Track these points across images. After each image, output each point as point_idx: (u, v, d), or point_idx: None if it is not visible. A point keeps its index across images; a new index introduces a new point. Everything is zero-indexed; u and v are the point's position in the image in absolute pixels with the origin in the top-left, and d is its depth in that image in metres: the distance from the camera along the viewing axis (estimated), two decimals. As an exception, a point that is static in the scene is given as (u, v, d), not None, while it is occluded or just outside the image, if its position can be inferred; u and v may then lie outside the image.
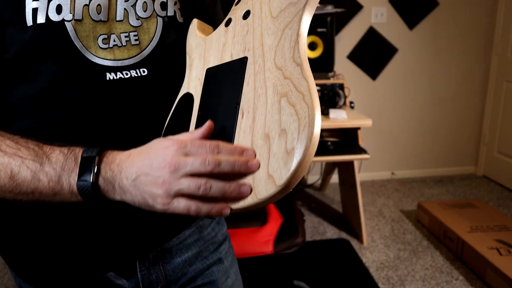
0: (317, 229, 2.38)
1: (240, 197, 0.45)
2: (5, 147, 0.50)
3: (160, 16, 0.62)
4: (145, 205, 0.48)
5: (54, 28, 0.54)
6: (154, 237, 0.66)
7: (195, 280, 0.73)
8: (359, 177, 2.26)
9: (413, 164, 3.14)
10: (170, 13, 0.63)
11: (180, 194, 0.45)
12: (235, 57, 0.55)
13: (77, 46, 0.55)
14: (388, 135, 3.04)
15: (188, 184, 0.45)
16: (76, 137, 0.57)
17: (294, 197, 2.76)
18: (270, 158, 0.46)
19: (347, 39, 2.81)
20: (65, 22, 0.54)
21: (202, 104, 0.58)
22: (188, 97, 0.60)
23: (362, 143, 2.15)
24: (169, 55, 0.63)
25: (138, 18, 0.60)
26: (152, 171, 0.46)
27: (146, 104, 0.61)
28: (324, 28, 2.35)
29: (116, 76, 0.58)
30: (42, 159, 0.50)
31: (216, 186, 0.45)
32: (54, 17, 0.54)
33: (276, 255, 1.40)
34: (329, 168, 2.83)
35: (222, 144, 0.47)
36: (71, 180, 0.49)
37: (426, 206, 2.34)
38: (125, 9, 0.59)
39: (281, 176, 0.44)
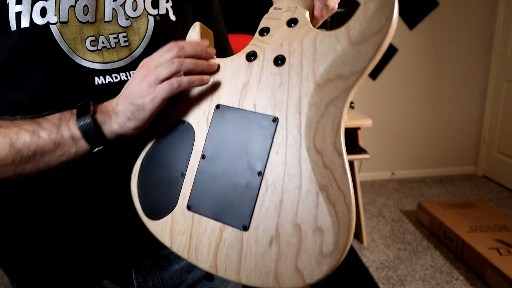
0: (317, 229, 2.37)
1: (211, 68, 0.52)
2: (0, 122, 0.50)
3: (151, 15, 0.59)
4: (137, 112, 0.49)
5: (39, 32, 0.52)
6: (151, 244, 0.63)
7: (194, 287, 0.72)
8: (359, 177, 2.26)
9: (413, 164, 3.14)
10: (162, 11, 0.60)
11: (160, 80, 0.49)
12: (260, 110, 0.49)
13: (64, 50, 0.53)
14: (388, 135, 3.04)
15: (163, 66, 0.49)
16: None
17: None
18: (300, 253, 0.44)
19: (347, 39, 2.81)
20: (50, 25, 0.52)
21: (209, 149, 0.51)
22: (186, 127, 0.53)
23: (362, 143, 2.15)
24: None
25: (128, 18, 0.57)
26: (130, 83, 0.50)
27: None
28: (324, 28, 2.35)
29: (105, 80, 0.56)
30: (38, 120, 0.50)
31: (188, 60, 0.50)
32: (39, 20, 0.52)
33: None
34: (329, 168, 2.82)
35: (185, 45, 0.51)
36: (70, 125, 0.49)
37: (426, 206, 2.34)
38: (113, 9, 0.57)
39: (313, 275, 0.44)
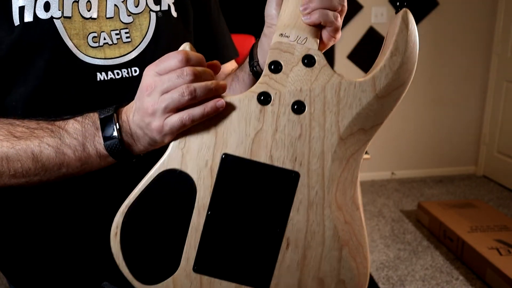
0: (317, 229, 2.38)
1: (223, 87, 0.45)
2: (19, 134, 0.49)
3: (153, 11, 0.59)
4: (153, 142, 0.47)
5: (43, 26, 0.51)
6: None
7: None
8: (359, 177, 2.26)
9: (413, 164, 3.13)
10: (164, 7, 0.60)
11: (169, 111, 0.43)
12: (277, 163, 0.44)
13: (68, 45, 0.53)
14: (388, 135, 3.04)
15: (171, 97, 0.43)
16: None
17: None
18: None
19: (347, 39, 2.81)
20: (54, 20, 0.52)
21: (217, 204, 0.45)
22: (183, 179, 0.46)
23: (362, 143, 2.15)
24: (163, 53, 0.59)
25: (130, 14, 0.57)
26: (138, 104, 0.45)
27: None
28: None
29: (107, 76, 0.56)
30: (59, 133, 0.48)
31: (199, 86, 0.43)
32: (42, 14, 0.51)
33: None
34: (329, 168, 2.82)
35: (190, 53, 0.45)
36: (96, 144, 0.48)
37: (426, 206, 2.34)
38: (115, 5, 0.56)
39: None
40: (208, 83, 0.44)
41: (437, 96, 3.01)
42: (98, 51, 0.55)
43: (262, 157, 0.44)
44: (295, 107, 0.44)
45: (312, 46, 0.46)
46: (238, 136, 0.45)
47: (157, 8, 0.59)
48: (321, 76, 0.45)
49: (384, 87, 0.44)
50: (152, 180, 0.46)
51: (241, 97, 0.45)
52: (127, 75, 0.57)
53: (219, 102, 0.44)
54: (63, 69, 0.53)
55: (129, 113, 0.47)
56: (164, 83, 0.43)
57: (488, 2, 2.86)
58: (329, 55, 2.41)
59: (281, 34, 0.46)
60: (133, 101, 0.48)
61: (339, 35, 0.50)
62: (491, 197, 2.73)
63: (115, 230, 0.47)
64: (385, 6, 2.78)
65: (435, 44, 2.89)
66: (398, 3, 0.47)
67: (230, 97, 0.46)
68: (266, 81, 0.45)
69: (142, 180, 0.47)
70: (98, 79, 0.55)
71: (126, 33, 0.57)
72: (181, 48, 0.46)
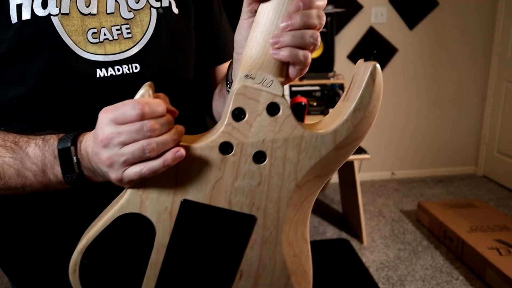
0: (317, 229, 2.37)
1: (181, 134, 0.44)
2: None
3: (154, 7, 0.58)
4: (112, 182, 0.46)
5: (41, 24, 0.51)
6: None
7: None
8: (359, 177, 2.26)
9: (413, 164, 3.13)
10: (165, 3, 0.60)
11: (127, 164, 0.42)
12: (236, 208, 0.46)
13: (66, 42, 0.53)
14: (388, 135, 3.04)
15: (131, 153, 0.41)
16: None
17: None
18: None
19: (347, 39, 2.81)
20: (52, 17, 0.52)
21: (176, 245, 0.47)
22: (143, 222, 0.47)
23: (362, 143, 2.15)
24: (164, 50, 0.60)
25: (130, 10, 0.57)
26: (95, 150, 0.44)
27: None
28: (324, 28, 2.35)
29: (107, 73, 0.55)
30: (20, 155, 0.49)
31: (160, 142, 0.42)
32: (40, 12, 0.51)
33: None
34: (329, 168, 2.82)
35: (149, 103, 0.42)
36: (56, 172, 0.48)
37: (426, 206, 2.34)
38: (116, 1, 0.56)
39: None
40: (168, 138, 0.42)
41: (437, 96, 3.01)
42: (98, 47, 0.55)
43: (221, 203, 0.46)
44: (256, 157, 0.45)
45: (277, 92, 0.45)
46: (198, 184, 0.45)
47: (157, 4, 0.59)
48: (285, 127, 0.45)
49: (344, 139, 0.45)
50: (109, 224, 0.46)
51: (203, 146, 0.45)
52: (127, 72, 0.56)
53: (178, 153, 0.43)
54: (62, 66, 0.53)
55: (89, 150, 0.46)
56: (121, 136, 0.41)
57: (488, 2, 2.87)
58: (329, 55, 2.40)
59: (246, 76, 0.45)
60: (92, 135, 0.46)
61: (306, 70, 0.47)
62: (491, 197, 2.73)
63: (74, 267, 0.48)
64: (385, 6, 2.78)
65: (435, 44, 2.90)
66: (367, 54, 0.47)
67: (191, 145, 0.45)
68: (229, 130, 0.45)
69: (99, 221, 0.47)
70: (98, 76, 0.55)
71: (127, 28, 0.56)
72: (140, 93, 0.44)
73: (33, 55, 0.52)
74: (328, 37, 2.36)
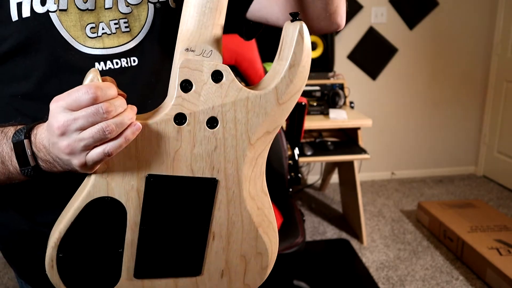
0: (317, 229, 2.37)
1: (135, 112, 0.45)
2: None
3: (151, 2, 0.59)
4: (75, 171, 0.46)
5: (40, 20, 0.52)
6: None
7: None
8: (359, 177, 2.26)
9: (413, 164, 3.13)
10: None
11: (88, 148, 0.43)
12: (198, 174, 0.49)
13: (64, 37, 0.54)
14: (388, 135, 3.04)
15: (91, 136, 0.42)
16: None
17: (294, 197, 2.76)
18: (246, 273, 0.56)
19: (347, 39, 2.81)
20: (50, 13, 0.53)
21: (147, 219, 0.49)
22: (112, 204, 0.48)
23: (362, 143, 2.15)
24: (161, 43, 0.61)
25: (128, 5, 0.57)
26: (52, 140, 0.44)
27: (136, 97, 0.60)
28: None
29: (105, 66, 0.56)
30: None
31: (117, 122, 0.43)
32: (39, 9, 0.52)
33: (276, 255, 1.40)
34: (329, 168, 2.83)
35: (100, 86, 0.43)
36: (14, 165, 0.48)
37: (426, 206, 2.34)
38: None
39: (256, 284, 0.58)
40: (124, 118, 0.43)
41: (437, 96, 3.01)
42: (96, 41, 0.56)
43: (183, 171, 0.48)
44: (209, 123, 0.48)
45: (218, 61, 0.48)
46: (159, 157, 0.47)
47: None
48: (230, 91, 0.48)
49: (285, 95, 0.49)
50: (80, 212, 0.47)
51: (158, 120, 0.47)
52: (126, 65, 0.57)
53: (136, 126, 0.44)
54: (62, 61, 0.54)
55: (45, 142, 0.46)
56: (78, 121, 0.42)
57: (488, 2, 2.87)
58: (329, 55, 2.40)
59: (187, 49, 0.47)
60: (45, 127, 0.46)
61: None
62: (491, 197, 2.74)
63: (51, 263, 0.49)
64: (385, 6, 2.78)
65: (435, 44, 2.90)
66: (293, 15, 0.50)
67: (147, 122, 0.47)
68: (180, 102, 0.47)
69: (68, 212, 0.48)
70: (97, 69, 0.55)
71: (125, 23, 0.57)
72: (88, 78, 0.44)
73: (34, 51, 0.53)
74: (328, 37, 2.36)
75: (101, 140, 0.42)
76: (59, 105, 0.42)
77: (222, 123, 0.48)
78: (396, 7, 2.79)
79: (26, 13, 0.52)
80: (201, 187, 0.50)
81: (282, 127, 1.73)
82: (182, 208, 0.50)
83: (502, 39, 2.86)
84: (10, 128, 0.50)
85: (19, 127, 0.49)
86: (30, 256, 0.63)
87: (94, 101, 0.42)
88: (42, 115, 0.55)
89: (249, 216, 0.53)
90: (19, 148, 0.47)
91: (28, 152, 0.47)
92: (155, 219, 0.50)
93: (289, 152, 1.73)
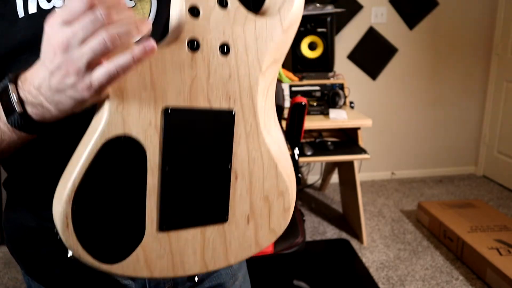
0: (317, 229, 2.38)
1: (147, 25, 0.40)
2: None
3: None
4: (79, 104, 0.41)
5: (46, 16, 0.52)
6: None
7: (203, 283, 0.71)
8: (359, 177, 2.26)
9: (413, 164, 3.14)
10: None
11: (93, 66, 0.38)
12: (214, 105, 0.47)
13: None
14: (388, 135, 3.04)
15: (91, 49, 0.37)
16: (71, 128, 0.56)
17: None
18: (271, 216, 0.53)
19: (347, 39, 2.81)
20: (56, 9, 0.52)
21: (169, 160, 0.45)
22: (130, 144, 0.43)
23: (362, 143, 2.15)
24: (164, 35, 0.60)
25: None
26: (53, 65, 0.39)
27: None
28: (324, 28, 2.35)
29: None
30: None
31: (120, 29, 0.37)
32: (45, 5, 0.52)
33: (276, 255, 1.39)
34: (329, 168, 2.83)
35: None
36: (3, 119, 0.44)
37: (426, 206, 2.34)
38: None
39: (281, 228, 0.54)
40: (129, 25, 0.38)
41: (437, 96, 3.01)
42: None
43: (201, 103, 0.46)
44: (221, 49, 0.46)
45: None
46: (175, 86, 0.44)
47: None
48: (238, 17, 0.47)
49: (288, 21, 0.49)
50: (95, 155, 0.41)
51: (171, 46, 0.44)
52: None
53: (148, 44, 0.38)
54: None
55: (37, 80, 0.42)
56: (77, 34, 0.37)
57: (488, 2, 2.87)
58: (329, 55, 2.40)
59: None
60: (36, 67, 0.42)
61: None
62: (491, 197, 2.74)
63: (65, 221, 0.42)
64: (385, 6, 2.78)
65: (435, 44, 2.90)
66: None
67: (159, 45, 0.43)
68: (190, 28, 0.45)
69: (80, 158, 0.41)
70: None
71: None
72: None
73: (40, 48, 0.53)
74: (328, 37, 2.36)
75: (103, 52, 0.37)
76: (55, 22, 0.38)
77: (234, 49, 0.47)
78: (396, 7, 2.79)
79: (32, 9, 0.52)
80: (219, 120, 0.47)
81: (282, 127, 1.73)
82: (203, 146, 0.47)
83: (502, 39, 2.86)
84: None
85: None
86: (37, 252, 0.63)
87: (89, 5, 0.37)
88: None
89: (268, 151, 0.50)
90: (5, 95, 0.43)
91: (14, 97, 0.42)
92: (176, 159, 0.45)
93: (289, 152, 1.73)
